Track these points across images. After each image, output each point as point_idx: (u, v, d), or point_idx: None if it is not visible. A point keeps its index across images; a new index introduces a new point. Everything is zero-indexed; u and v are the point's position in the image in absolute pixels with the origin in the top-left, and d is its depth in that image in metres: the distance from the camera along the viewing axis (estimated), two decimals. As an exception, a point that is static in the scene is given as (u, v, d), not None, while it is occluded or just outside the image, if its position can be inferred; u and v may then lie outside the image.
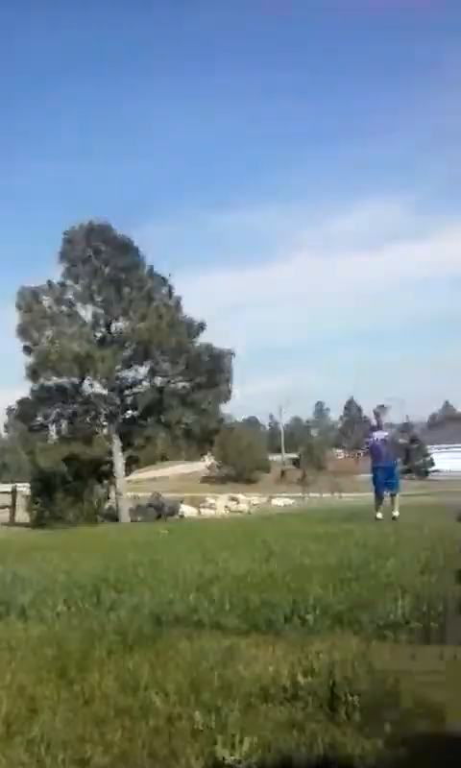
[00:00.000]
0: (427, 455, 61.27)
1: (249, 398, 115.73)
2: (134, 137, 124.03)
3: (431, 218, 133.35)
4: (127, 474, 24.59)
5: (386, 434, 12.08)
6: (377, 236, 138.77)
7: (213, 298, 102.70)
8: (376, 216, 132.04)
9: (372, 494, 12.53)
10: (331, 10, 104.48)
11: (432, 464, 61.23)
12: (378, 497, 12.14)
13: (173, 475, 58.36)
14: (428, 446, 62.81)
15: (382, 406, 12.42)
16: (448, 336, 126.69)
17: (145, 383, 24.38)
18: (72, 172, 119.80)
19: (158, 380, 24.38)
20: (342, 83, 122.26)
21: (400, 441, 12.06)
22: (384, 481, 11.99)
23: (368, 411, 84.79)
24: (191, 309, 24.97)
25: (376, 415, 12.46)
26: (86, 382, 23.45)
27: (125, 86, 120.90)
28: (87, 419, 24.16)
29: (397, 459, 12.47)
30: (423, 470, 57.23)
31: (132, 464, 25.05)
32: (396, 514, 11.49)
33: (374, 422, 12.34)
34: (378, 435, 12.00)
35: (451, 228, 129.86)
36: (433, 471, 59.20)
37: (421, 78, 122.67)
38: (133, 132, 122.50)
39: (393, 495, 11.95)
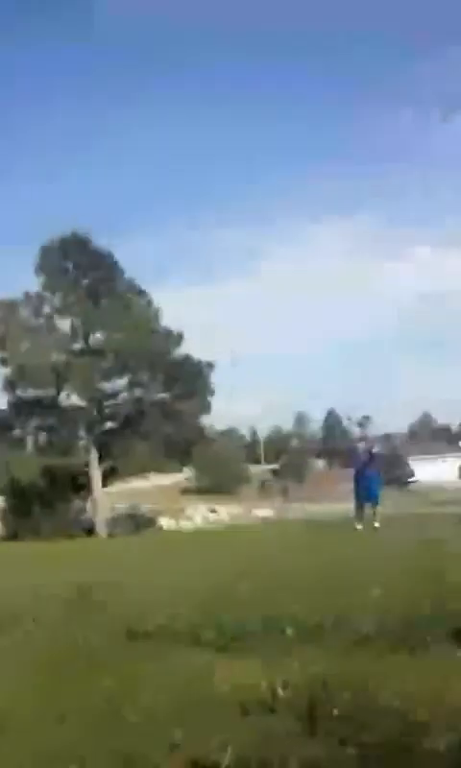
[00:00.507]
0: (407, 466, 61.59)
1: (228, 408, 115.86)
2: (101, 155, 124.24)
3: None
4: (105, 486, 24.41)
5: (369, 445, 12.17)
6: (348, 251, 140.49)
7: (186, 311, 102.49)
8: (344, 232, 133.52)
9: (352, 505, 12.55)
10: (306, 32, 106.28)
11: (412, 474, 61.59)
12: (359, 508, 12.20)
13: (152, 486, 57.98)
14: (408, 457, 63.16)
15: (367, 417, 12.49)
16: (431, 348, 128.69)
17: (124, 394, 24.30)
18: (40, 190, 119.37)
19: (137, 391, 24.31)
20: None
21: (382, 452, 12.12)
22: (366, 492, 12.06)
23: (347, 422, 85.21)
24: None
25: (360, 426, 12.50)
26: (64, 394, 23.32)
27: (94, 101, 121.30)
28: (65, 430, 23.98)
29: (378, 470, 12.52)
30: (403, 481, 57.48)
31: (110, 475, 24.89)
32: (376, 524, 11.53)
33: (357, 434, 12.41)
34: (361, 446, 12.11)
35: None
36: (413, 482, 59.52)
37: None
38: (101, 149, 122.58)
39: (374, 506, 12.02)
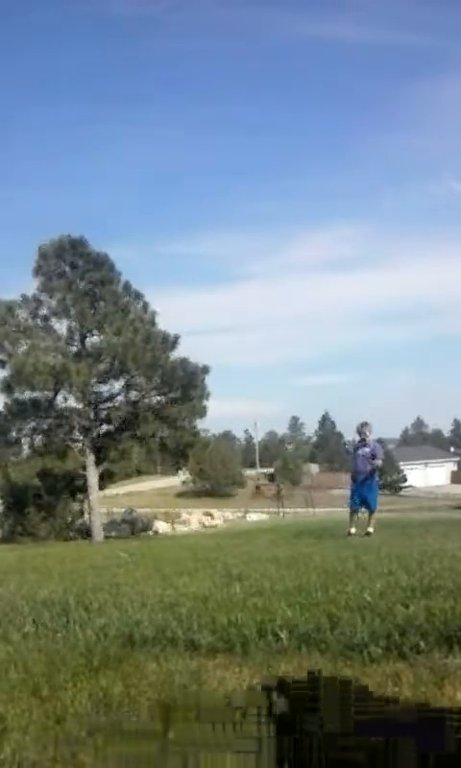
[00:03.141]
0: (400, 471, 61.78)
1: (224, 412, 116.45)
2: (97, 166, 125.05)
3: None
4: (101, 489, 24.42)
5: (368, 449, 12.14)
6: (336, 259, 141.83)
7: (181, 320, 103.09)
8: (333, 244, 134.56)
9: (347, 509, 12.60)
10: (291, 47, 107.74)
11: (405, 480, 61.77)
12: (353, 511, 12.25)
13: (148, 490, 58.04)
14: (400, 463, 63.35)
15: (365, 423, 12.44)
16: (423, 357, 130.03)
17: (120, 397, 24.34)
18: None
19: (133, 394, 24.34)
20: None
21: (379, 461, 12.16)
22: (363, 497, 12.10)
23: (341, 427, 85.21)
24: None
25: (360, 432, 12.42)
26: (61, 396, 23.35)
27: (89, 113, 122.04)
28: (61, 433, 24.01)
29: (376, 475, 12.54)
30: (396, 486, 57.66)
31: (107, 478, 24.89)
32: (370, 530, 11.54)
33: (357, 438, 12.36)
34: (362, 451, 12.07)
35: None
36: (406, 487, 59.71)
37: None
38: (97, 160, 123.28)
39: (371, 512, 12.07)
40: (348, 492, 13.18)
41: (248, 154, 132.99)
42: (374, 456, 11.98)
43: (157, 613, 4.74)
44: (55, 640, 4.31)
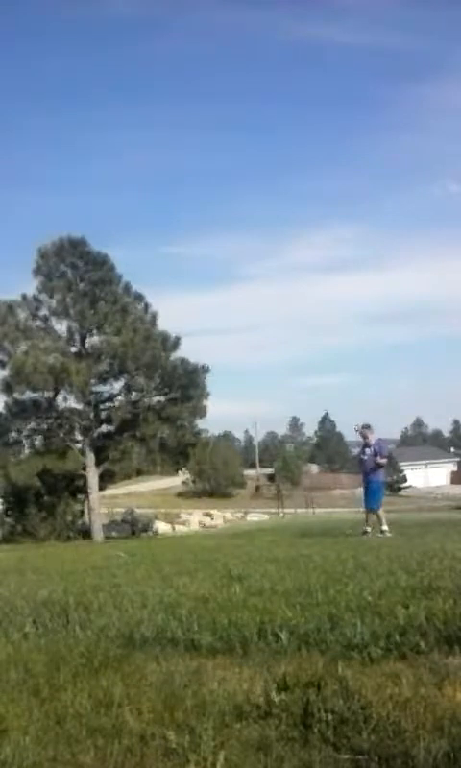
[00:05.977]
0: (400, 472, 61.81)
1: (224, 413, 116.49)
2: (97, 166, 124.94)
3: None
4: (101, 489, 24.40)
5: (373, 451, 12.44)
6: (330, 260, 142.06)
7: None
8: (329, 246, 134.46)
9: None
10: (291, 48, 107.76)
11: (405, 480, 61.83)
12: (366, 511, 12.49)
13: (148, 490, 57.95)
14: (400, 463, 63.38)
15: (367, 425, 12.75)
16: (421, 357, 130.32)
17: (120, 398, 24.32)
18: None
19: (134, 394, 24.33)
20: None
21: (381, 460, 12.47)
22: (371, 496, 12.30)
23: (341, 427, 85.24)
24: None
25: (363, 435, 12.74)
26: (61, 396, 23.35)
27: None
28: (62, 433, 24.00)
29: (381, 474, 12.84)
30: (396, 487, 57.66)
31: (107, 478, 24.88)
32: (384, 527, 11.78)
33: (361, 441, 12.81)
34: (368, 452, 12.41)
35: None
36: (406, 488, 59.76)
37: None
38: (97, 160, 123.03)
39: (373, 511, 12.23)
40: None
41: (248, 155, 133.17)
42: (376, 454, 12.33)
43: (157, 614, 4.74)
44: (55, 640, 4.31)
